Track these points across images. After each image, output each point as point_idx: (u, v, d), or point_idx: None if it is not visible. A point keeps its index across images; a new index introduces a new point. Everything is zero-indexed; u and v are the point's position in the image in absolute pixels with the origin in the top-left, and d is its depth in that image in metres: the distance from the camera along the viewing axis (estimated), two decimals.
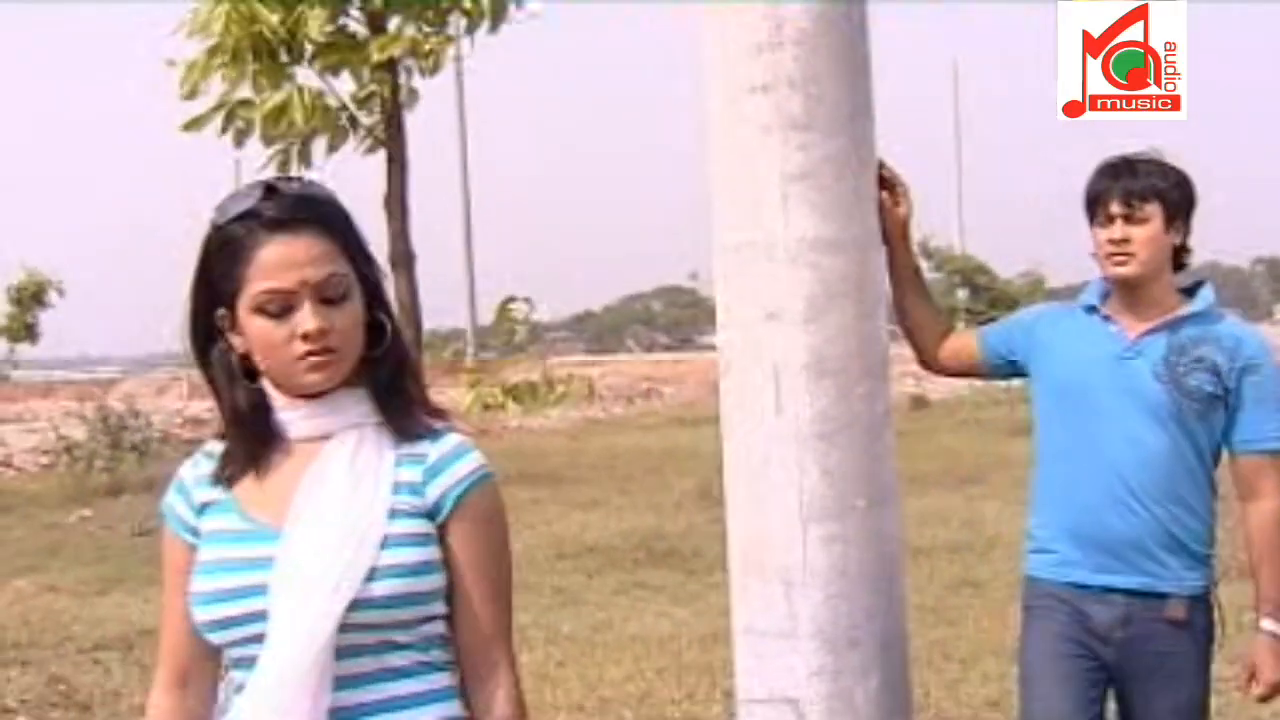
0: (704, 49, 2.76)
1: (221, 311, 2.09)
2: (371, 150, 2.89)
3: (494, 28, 2.86)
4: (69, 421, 19.50)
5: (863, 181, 2.69)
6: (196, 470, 2.17)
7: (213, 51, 2.86)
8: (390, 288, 2.27)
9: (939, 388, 29.57)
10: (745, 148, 2.69)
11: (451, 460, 2.10)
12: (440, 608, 2.10)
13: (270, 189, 2.08)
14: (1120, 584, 3.38)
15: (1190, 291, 3.46)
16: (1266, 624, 3.40)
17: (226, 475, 2.13)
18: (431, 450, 2.11)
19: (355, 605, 1.99)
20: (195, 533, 2.14)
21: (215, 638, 2.09)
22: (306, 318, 2.02)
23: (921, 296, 3.51)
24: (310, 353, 2.03)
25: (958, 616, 8.84)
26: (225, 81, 2.87)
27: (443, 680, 2.11)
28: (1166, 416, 3.32)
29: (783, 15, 2.64)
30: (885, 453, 2.77)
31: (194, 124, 2.75)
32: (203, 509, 2.14)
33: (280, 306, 2.03)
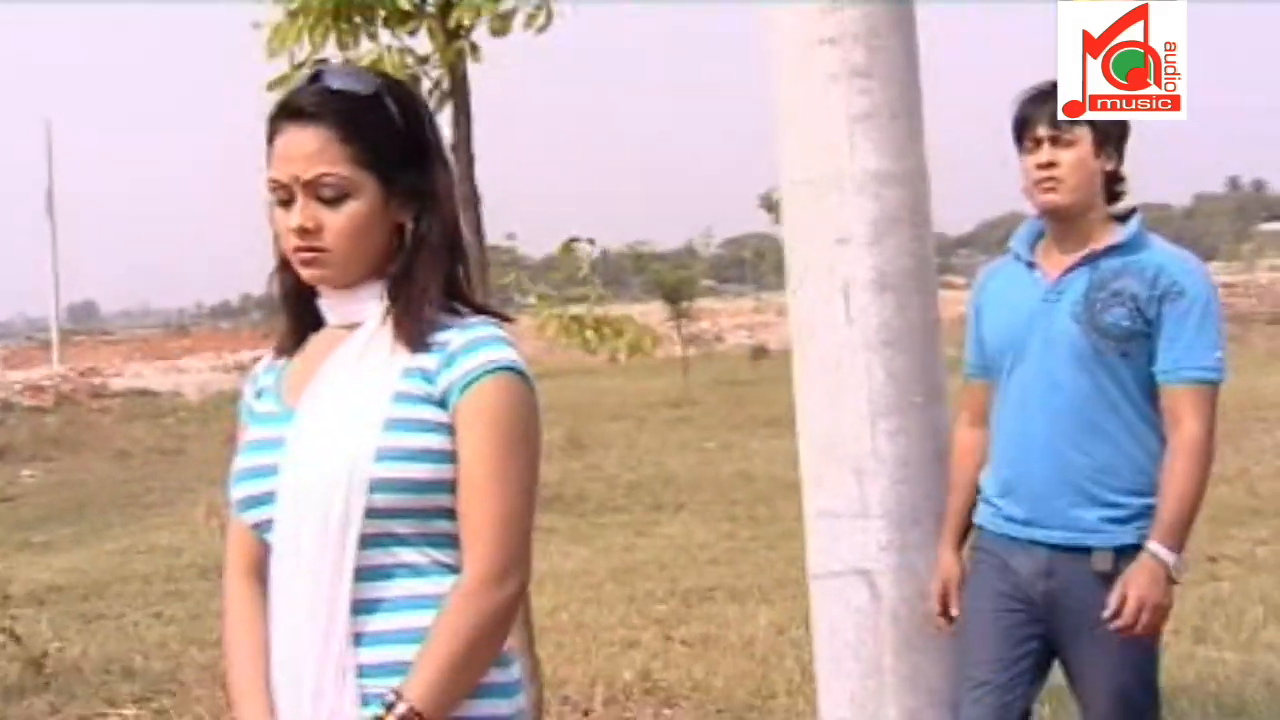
0: (772, 9, 3.15)
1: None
2: (440, 104, 3.09)
3: None
4: None
5: (914, 121, 3.10)
6: (266, 360, 2.16)
7: (294, 15, 3.00)
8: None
9: (780, 337, 30.52)
10: (814, 93, 3.09)
11: (470, 350, 1.98)
12: (449, 500, 1.95)
13: (316, 76, 2.02)
14: (1042, 537, 3.18)
15: (1127, 220, 3.25)
16: (1152, 546, 3.08)
17: (277, 355, 2.12)
18: (454, 339, 1.99)
19: None
20: (254, 413, 2.12)
21: (245, 518, 2.04)
22: (294, 213, 1.97)
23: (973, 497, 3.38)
24: (299, 248, 1.98)
25: None
26: (308, 43, 3.02)
27: (450, 585, 1.95)
28: (1086, 358, 3.12)
29: None
30: (937, 356, 3.22)
31: (279, 82, 2.87)
32: (259, 393, 2.12)
33: (284, 196, 1.98)
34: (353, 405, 1.95)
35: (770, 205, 27.43)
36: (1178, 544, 3.08)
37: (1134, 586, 3.03)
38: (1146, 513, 3.12)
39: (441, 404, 1.96)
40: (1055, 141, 3.13)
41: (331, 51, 3.38)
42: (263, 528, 2.00)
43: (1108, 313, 3.11)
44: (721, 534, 9.98)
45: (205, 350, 40.81)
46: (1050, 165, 3.13)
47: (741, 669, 6.16)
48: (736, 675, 6.04)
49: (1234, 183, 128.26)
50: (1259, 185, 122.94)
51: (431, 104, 3.50)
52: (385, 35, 3.46)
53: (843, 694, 3.24)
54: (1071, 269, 3.16)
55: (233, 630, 2.06)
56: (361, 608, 1.92)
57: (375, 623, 1.93)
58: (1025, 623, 3.20)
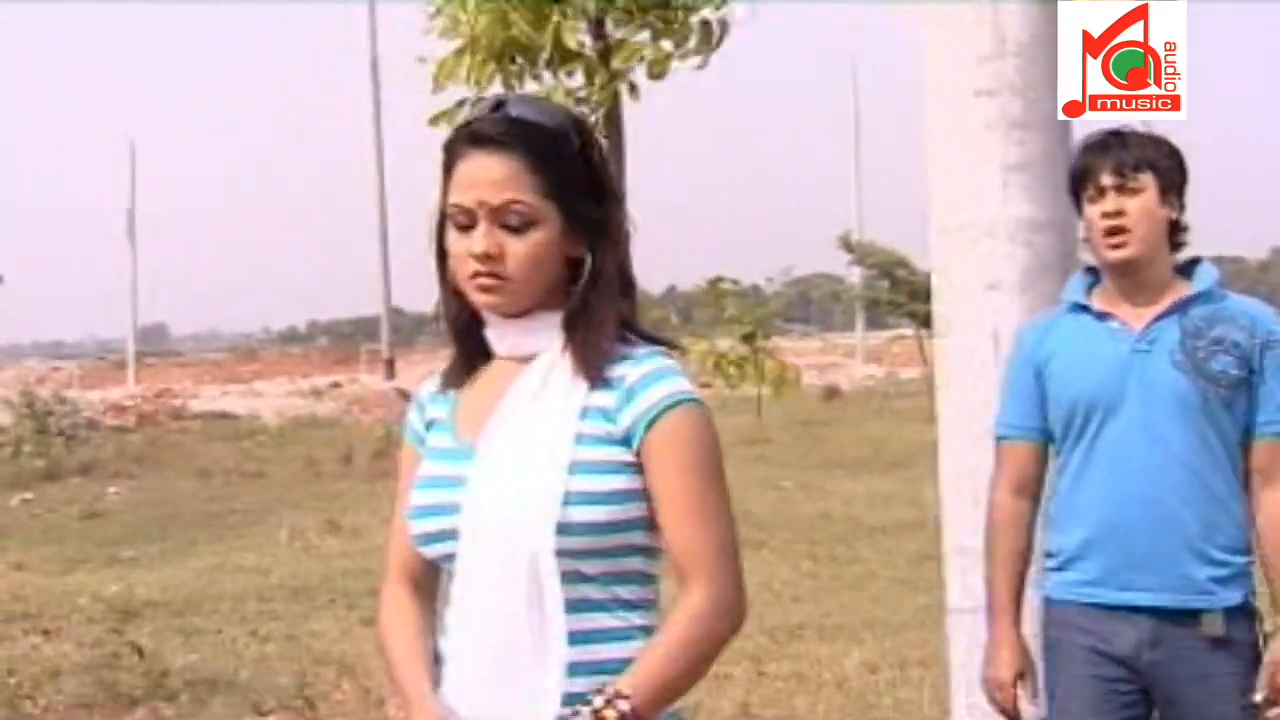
0: (927, 59, 3.25)
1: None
2: None
3: (716, 46, 3.18)
4: None
5: (1063, 171, 3.18)
6: (431, 386, 2.17)
7: (460, 51, 3.14)
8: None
9: (849, 378, 30.59)
10: (969, 142, 3.19)
11: (648, 384, 1.99)
12: (640, 538, 1.99)
13: (499, 104, 2.04)
14: (1146, 602, 3.00)
15: (1187, 273, 3.14)
16: None
17: (445, 386, 2.13)
18: (630, 373, 2.00)
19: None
20: (424, 444, 2.13)
21: (424, 551, 2.07)
22: (478, 238, 1.98)
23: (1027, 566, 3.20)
24: (478, 273, 1.99)
25: (930, 586, 9.32)
26: (470, 81, 3.16)
27: (637, 619, 2.00)
28: (1192, 407, 2.99)
29: (1004, 30, 3.14)
30: None
31: (441, 117, 3.01)
32: (430, 424, 2.13)
33: (466, 222, 2.00)
34: (536, 447, 1.96)
35: (850, 246, 27.49)
36: None
37: None
38: (1248, 570, 3.03)
39: (625, 442, 1.98)
40: (1120, 190, 3.02)
41: (495, 89, 3.51)
42: (443, 561, 2.04)
43: (1214, 360, 3.00)
44: (804, 573, 10.02)
45: (275, 375, 41.32)
46: (1118, 214, 3.02)
47: (837, 705, 6.22)
48: (834, 711, 6.10)
49: None
50: None
51: None
52: (546, 75, 3.59)
53: None
54: (1160, 318, 3.04)
55: (392, 623, 2.12)
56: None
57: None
58: (1133, 698, 3.05)
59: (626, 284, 2.09)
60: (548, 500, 1.93)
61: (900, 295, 26.40)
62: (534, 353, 2.04)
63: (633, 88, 3.62)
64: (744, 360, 19.01)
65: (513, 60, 3.42)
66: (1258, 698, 2.94)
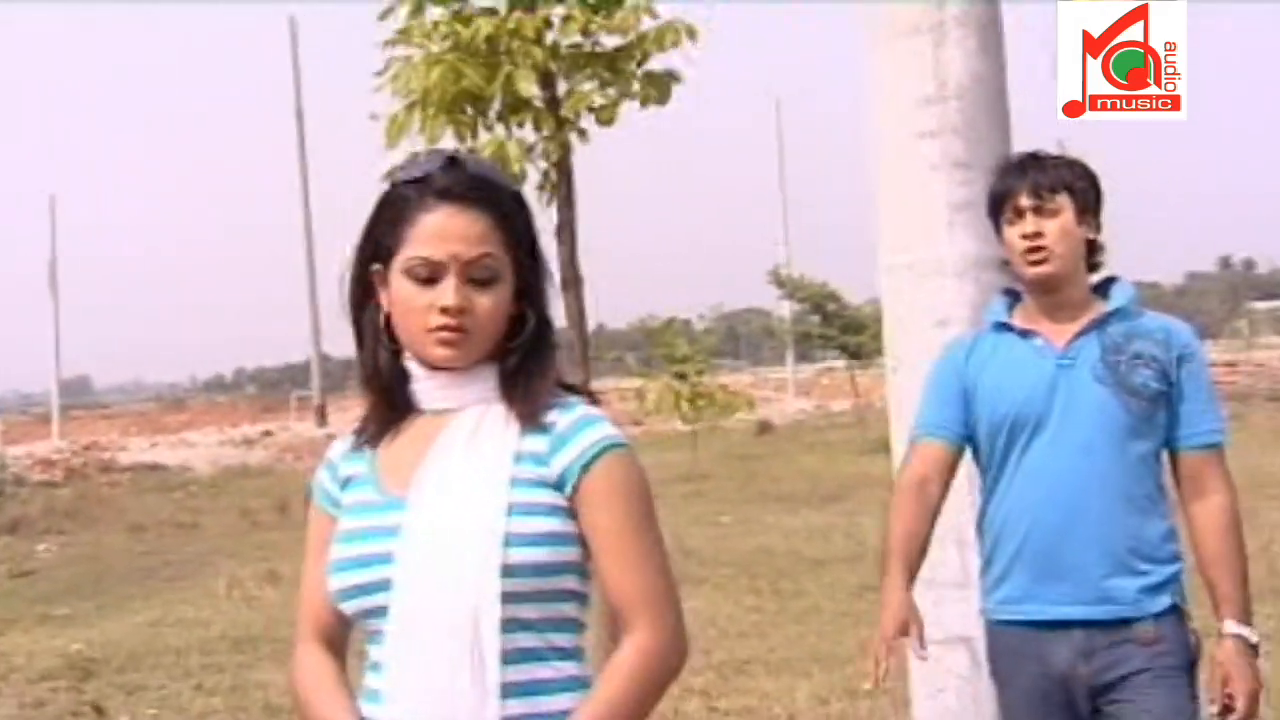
0: (872, 103, 3.34)
1: (377, 267, 2.07)
2: (545, 190, 3.25)
3: (663, 101, 3.22)
4: None
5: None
6: (343, 446, 2.17)
7: (411, 107, 3.17)
8: (560, 306, 2.53)
9: (781, 412, 30.76)
10: (915, 182, 3.28)
11: (577, 430, 2.04)
12: (573, 583, 2.03)
13: (452, 160, 2.07)
14: (1078, 615, 3.05)
15: (1103, 292, 3.20)
16: (1230, 626, 3.02)
17: (363, 440, 2.12)
18: (559, 420, 2.05)
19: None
20: (338, 505, 2.13)
21: (346, 606, 2.06)
22: (448, 292, 1.99)
23: (925, 544, 3.20)
24: (443, 327, 2.00)
25: (873, 618, 9.33)
26: (422, 135, 3.19)
27: (572, 669, 2.03)
28: (1115, 420, 3.04)
29: (945, 74, 3.24)
30: None
31: (395, 172, 3.08)
32: (346, 483, 2.13)
33: (428, 274, 2.01)
34: (474, 490, 1.98)
35: (780, 281, 27.74)
36: (1249, 616, 3.05)
37: (1238, 680, 2.99)
38: (1173, 581, 3.07)
39: (558, 487, 2.01)
40: (1039, 211, 3.08)
41: (448, 142, 3.56)
42: (369, 615, 2.02)
43: (1135, 374, 3.05)
44: (747, 608, 10.05)
45: (204, 424, 40.87)
46: (1036, 235, 3.07)
47: None
48: None
49: (1225, 262, 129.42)
50: (1249, 265, 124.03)
51: (539, 190, 3.70)
52: (497, 126, 3.65)
53: None
54: (1080, 334, 3.09)
55: (311, 677, 2.12)
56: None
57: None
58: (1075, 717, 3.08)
59: (553, 336, 2.15)
60: (491, 541, 1.94)
61: (831, 329, 26.68)
62: (463, 405, 2.06)
63: (582, 133, 3.67)
64: (701, 394, 19.73)
65: (463, 111, 3.47)
66: (1214, 710, 3.00)
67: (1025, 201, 3.09)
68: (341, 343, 2.19)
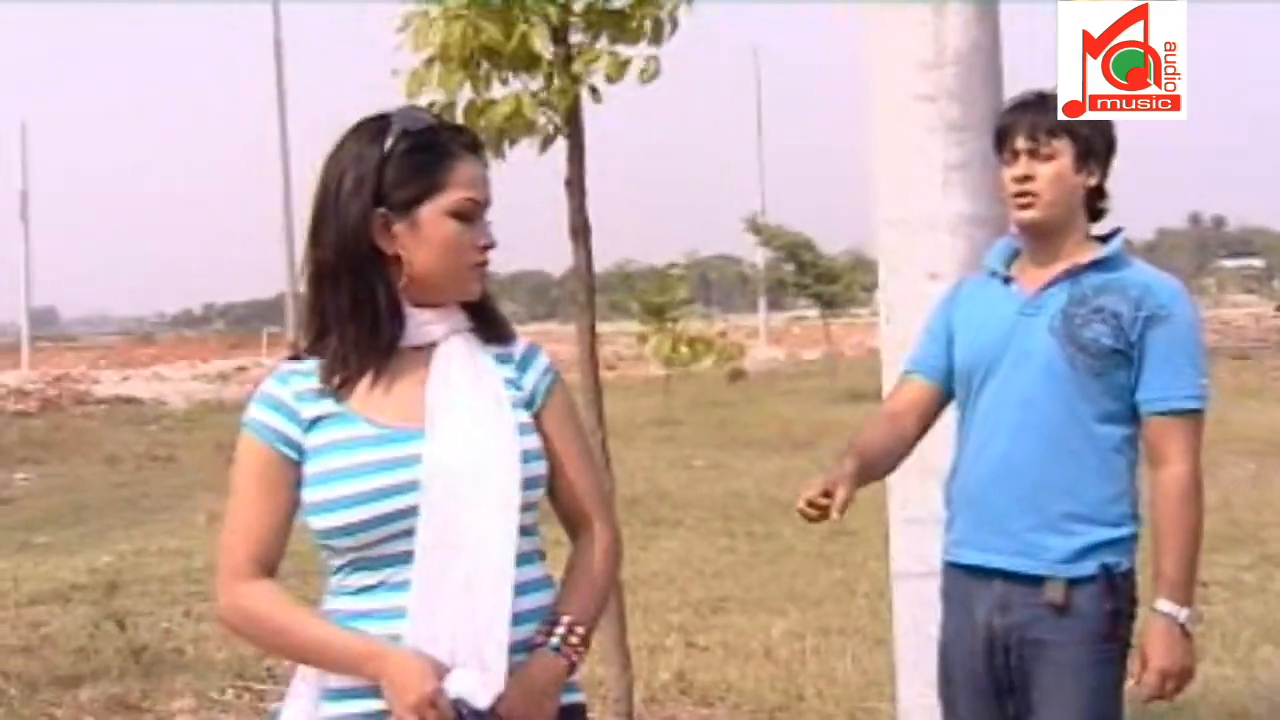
0: (873, 65, 3.52)
1: (382, 210, 2.16)
2: (549, 142, 3.36)
3: (667, 38, 3.33)
4: None
5: (998, 171, 3.45)
6: (292, 387, 2.20)
7: (429, 61, 3.28)
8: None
9: (752, 359, 30.98)
10: (911, 143, 3.47)
11: (534, 355, 2.31)
12: (541, 494, 2.26)
13: (454, 123, 2.47)
14: (997, 564, 3.02)
15: (1108, 241, 3.11)
16: (1161, 604, 2.94)
17: (337, 384, 2.18)
18: (515, 349, 2.30)
19: None
20: (296, 447, 2.18)
21: (357, 539, 2.14)
22: (488, 232, 2.22)
23: (887, 458, 3.17)
24: (481, 263, 2.21)
25: (845, 560, 9.56)
26: (440, 87, 3.30)
27: (541, 570, 2.25)
28: (1059, 375, 2.97)
29: (944, 40, 3.41)
30: None
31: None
32: (313, 423, 2.18)
33: (473, 214, 2.19)
34: (490, 415, 2.19)
35: (757, 229, 27.90)
36: (1187, 597, 2.95)
37: (1155, 658, 2.92)
38: (1111, 545, 2.97)
39: (528, 406, 2.26)
40: (1033, 155, 3.00)
41: (465, 95, 3.72)
42: (381, 543, 2.13)
43: (1088, 328, 2.96)
44: (721, 549, 10.27)
45: (174, 359, 40.87)
46: (1026, 179, 2.99)
47: (769, 673, 6.49)
48: (765, 679, 6.38)
49: (1195, 218, 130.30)
50: (1219, 222, 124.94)
51: (536, 143, 3.88)
52: (511, 81, 3.80)
53: (925, 684, 3.58)
54: (1051, 284, 3.02)
55: (282, 607, 2.18)
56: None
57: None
58: (997, 666, 3.04)
59: None
60: (513, 460, 2.16)
61: (806, 278, 26.87)
62: (436, 339, 2.22)
63: (594, 91, 3.83)
64: (700, 340, 20.58)
65: (478, 66, 3.62)
66: (1131, 683, 2.98)
67: (1021, 144, 3.02)
68: None
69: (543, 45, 3.64)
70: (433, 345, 2.21)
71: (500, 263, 2.39)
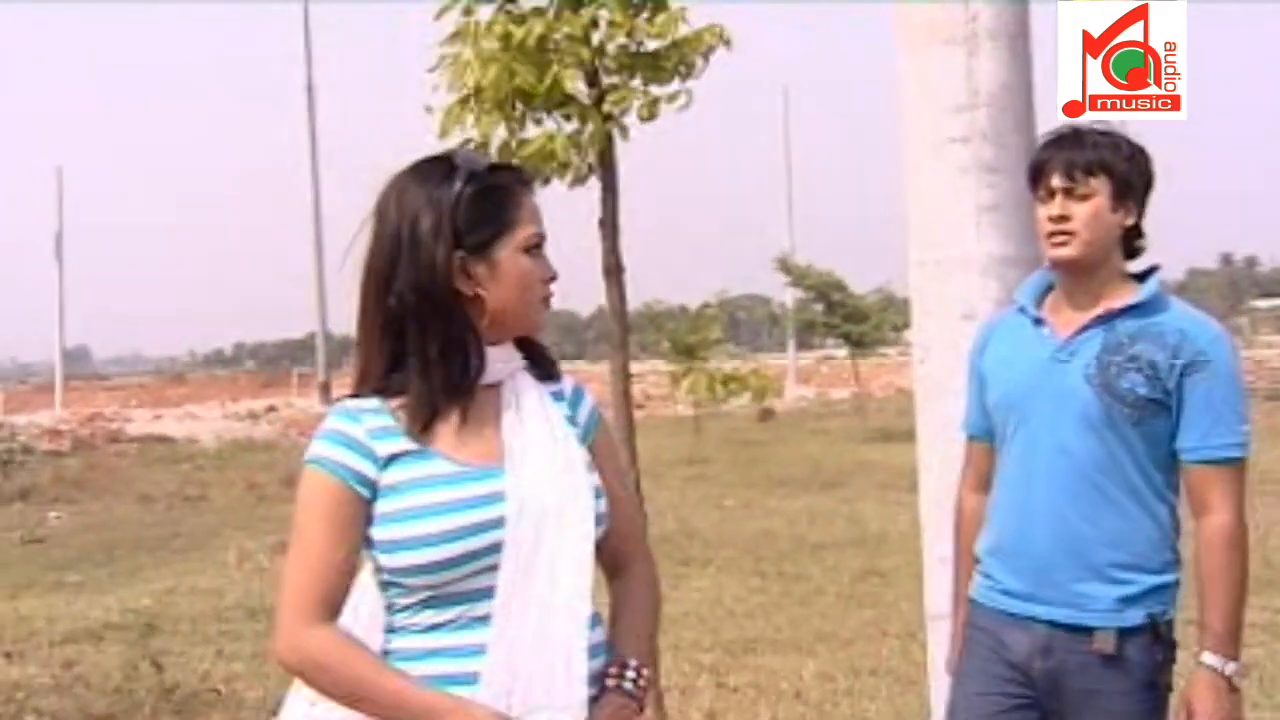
0: (905, 107, 3.54)
1: (461, 254, 2.16)
2: (579, 181, 3.40)
3: (693, 76, 3.38)
4: None
5: (1031, 212, 3.46)
6: (364, 424, 2.17)
7: (464, 100, 3.34)
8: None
9: (782, 399, 30.98)
10: (945, 185, 3.48)
11: (581, 394, 2.35)
12: (604, 529, 2.28)
13: (497, 163, 2.33)
14: (1041, 614, 2.97)
15: (1144, 279, 3.02)
16: (1207, 658, 2.88)
17: (420, 425, 2.17)
18: (564, 386, 2.33)
19: None
20: (370, 484, 2.15)
21: (439, 576, 2.13)
22: (550, 264, 2.25)
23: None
24: (548, 296, 2.25)
25: (876, 600, 9.53)
26: (474, 127, 3.35)
27: (590, 606, 2.22)
28: (1097, 422, 2.90)
29: (977, 83, 3.43)
30: None
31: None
32: (390, 460, 2.16)
33: (537, 245, 2.22)
34: (563, 453, 2.22)
35: (787, 269, 27.93)
36: (1234, 650, 2.89)
37: (1201, 714, 2.86)
38: (1155, 593, 2.94)
39: (581, 442, 2.28)
40: (1069, 194, 2.92)
41: (500, 135, 3.76)
42: (467, 579, 2.13)
43: (1124, 378, 2.89)
44: (752, 589, 10.24)
45: (205, 398, 41.10)
46: (1062, 219, 2.92)
47: (800, 714, 6.47)
48: (795, 719, 6.35)
49: (1227, 259, 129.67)
50: (1251, 262, 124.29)
51: (567, 182, 3.92)
52: (546, 121, 3.85)
53: None
54: (1085, 329, 2.95)
55: (355, 656, 2.13)
56: None
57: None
58: (1021, 706, 3.02)
59: None
60: (590, 494, 2.20)
61: (835, 317, 26.88)
62: (502, 377, 2.24)
63: (624, 129, 3.87)
64: (733, 377, 21.21)
65: (513, 106, 3.67)
66: None
67: (1057, 181, 2.94)
68: (344, 320, 2.35)
69: (575, 87, 3.68)
70: (498, 383, 2.23)
71: None
